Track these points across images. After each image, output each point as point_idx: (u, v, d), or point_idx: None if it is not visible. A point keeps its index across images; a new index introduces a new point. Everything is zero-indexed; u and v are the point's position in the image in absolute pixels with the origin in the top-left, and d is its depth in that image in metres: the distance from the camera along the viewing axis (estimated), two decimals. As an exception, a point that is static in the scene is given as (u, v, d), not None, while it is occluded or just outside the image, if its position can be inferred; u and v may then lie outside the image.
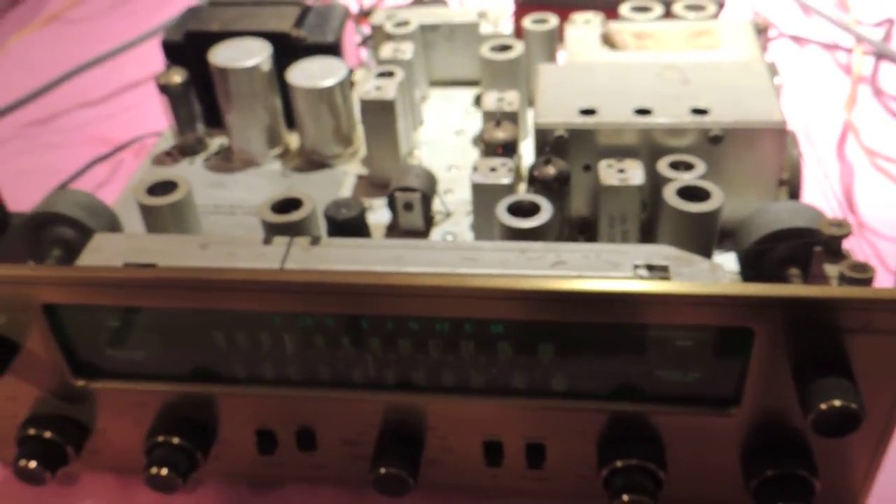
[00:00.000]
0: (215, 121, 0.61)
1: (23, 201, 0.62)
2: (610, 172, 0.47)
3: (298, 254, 0.42)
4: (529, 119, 0.59)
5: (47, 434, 0.44)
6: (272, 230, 0.46)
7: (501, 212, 0.44)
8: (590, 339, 0.39)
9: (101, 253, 0.43)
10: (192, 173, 0.60)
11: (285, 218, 0.46)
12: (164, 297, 0.40)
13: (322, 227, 0.49)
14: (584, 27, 0.60)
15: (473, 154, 0.59)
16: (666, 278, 0.39)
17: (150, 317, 0.42)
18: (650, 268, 0.40)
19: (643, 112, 0.49)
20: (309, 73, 0.57)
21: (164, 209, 0.48)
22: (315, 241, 0.43)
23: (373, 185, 0.57)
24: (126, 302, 0.41)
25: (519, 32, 0.64)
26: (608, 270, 0.40)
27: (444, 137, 0.62)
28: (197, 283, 0.39)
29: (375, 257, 0.42)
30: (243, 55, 0.57)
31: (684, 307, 0.37)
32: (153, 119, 0.76)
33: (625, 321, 0.38)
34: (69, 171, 0.71)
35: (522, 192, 0.49)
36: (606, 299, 0.37)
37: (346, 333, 0.41)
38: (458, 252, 0.42)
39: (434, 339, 0.40)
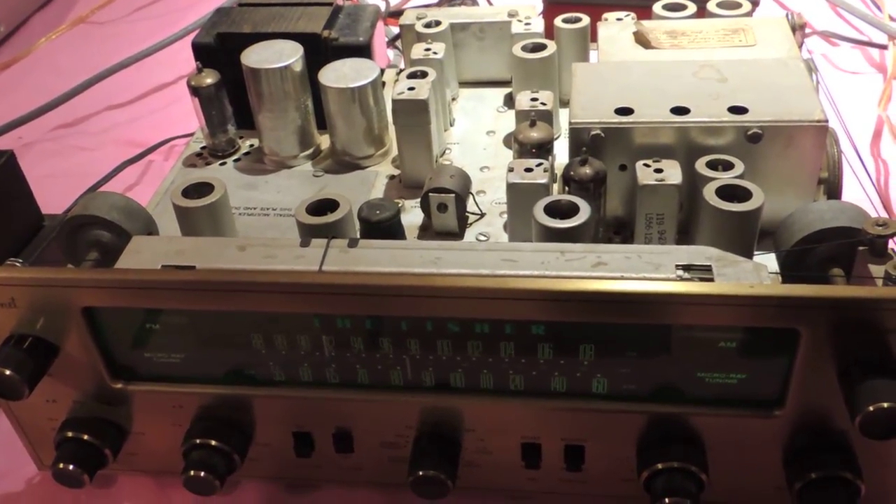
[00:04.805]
0: (246, 122, 0.61)
1: (53, 203, 0.63)
2: (647, 172, 0.46)
3: (336, 256, 0.42)
4: (562, 118, 0.59)
5: (85, 436, 0.44)
6: (308, 232, 0.45)
7: (539, 212, 0.44)
8: (630, 340, 0.39)
9: (140, 255, 0.43)
10: (223, 174, 0.60)
11: (321, 220, 0.46)
12: (204, 299, 0.40)
13: (356, 228, 0.48)
14: (616, 26, 0.59)
15: (505, 154, 0.59)
16: (709, 279, 0.39)
17: (187, 319, 0.42)
18: (693, 269, 0.39)
19: (680, 111, 0.48)
20: (340, 74, 0.57)
21: (200, 211, 0.48)
22: (353, 243, 0.43)
23: (404, 185, 0.57)
24: (165, 304, 0.41)
25: (549, 32, 0.63)
26: (650, 271, 0.40)
27: (476, 137, 0.61)
28: (236, 285, 0.39)
29: (414, 259, 0.41)
30: (275, 56, 0.57)
31: (728, 308, 0.37)
32: (180, 121, 0.77)
33: (668, 323, 0.38)
34: (98, 174, 0.71)
35: (558, 193, 0.49)
36: (649, 301, 0.37)
37: (384, 335, 0.40)
38: (497, 254, 0.41)
39: (474, 340, 0.40)
